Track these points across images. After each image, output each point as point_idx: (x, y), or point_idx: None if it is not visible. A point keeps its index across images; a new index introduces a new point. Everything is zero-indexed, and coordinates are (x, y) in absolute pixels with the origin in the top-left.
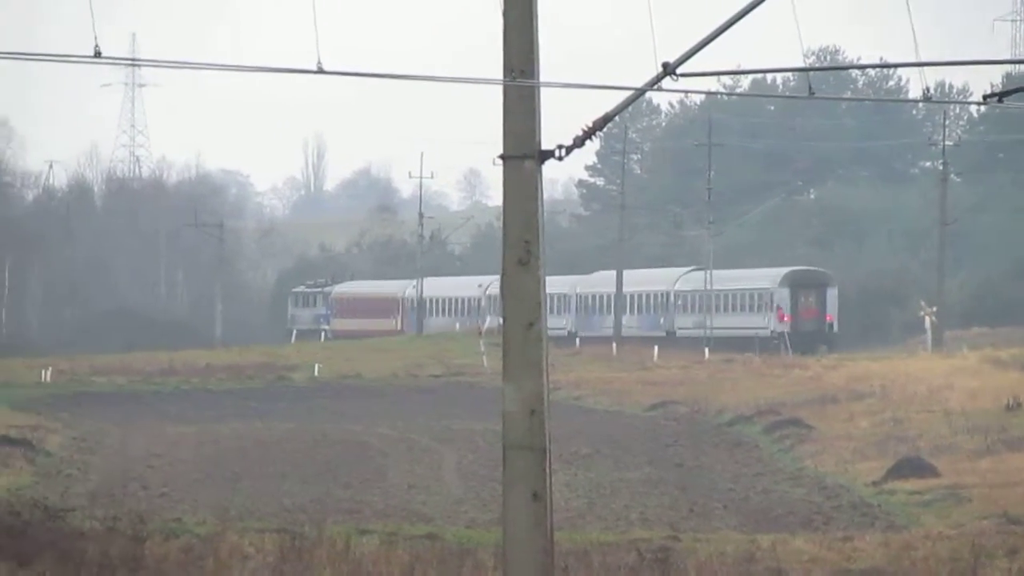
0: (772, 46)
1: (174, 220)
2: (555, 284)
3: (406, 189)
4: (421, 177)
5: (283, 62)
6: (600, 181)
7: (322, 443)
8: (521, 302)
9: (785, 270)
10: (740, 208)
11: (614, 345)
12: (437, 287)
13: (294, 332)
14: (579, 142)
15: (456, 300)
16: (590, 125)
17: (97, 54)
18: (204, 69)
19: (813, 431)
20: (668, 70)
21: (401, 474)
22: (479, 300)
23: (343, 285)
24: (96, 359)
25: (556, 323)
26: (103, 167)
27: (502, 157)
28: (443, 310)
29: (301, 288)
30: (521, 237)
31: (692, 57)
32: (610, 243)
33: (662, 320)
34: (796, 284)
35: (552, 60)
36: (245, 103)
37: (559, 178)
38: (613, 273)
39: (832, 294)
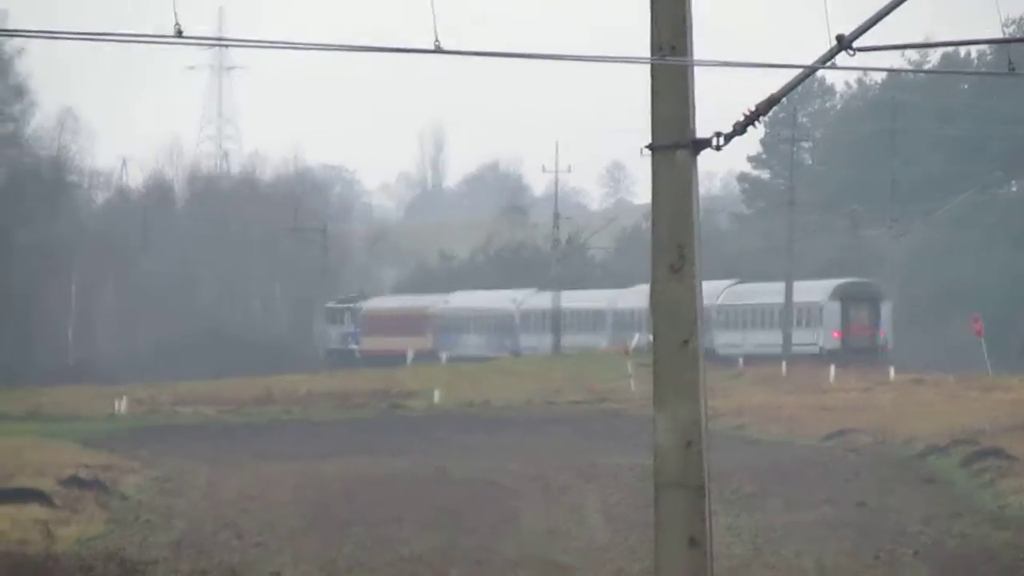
0: (965, 15)
1: (269, 224)
2: (591, 299)
3: (539, 186)
4: (556, 171)
5: (395, 41)
6: (765, 174)
7: (443, 482)
8: (673, 316)
9: (836, 282)
10: (927, 204)
11: (783, 365)
12: (467, 301)
13: (323, 352)
14: (740, 129)
15: (487, 316)
16: (753, 109)
17: (178, 33)
18: (302, 49)
19: (1017, 463)
20: (843, 44)
21: (536, 518)
22: (513, 317)
23: (373, 300)
24: (179, 387)
25: (592, 340)
26: (185, 163)
27: (650, 147)
28: (471, 327)
29: (332, 303)
30: (673, 240)
31: (871, 29)
32: (777, 246)
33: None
34: (847, 297)
35: (708, 35)
36: (350, 89)
37: (717, 171)
38: (646, 287)
39: (885, 308)
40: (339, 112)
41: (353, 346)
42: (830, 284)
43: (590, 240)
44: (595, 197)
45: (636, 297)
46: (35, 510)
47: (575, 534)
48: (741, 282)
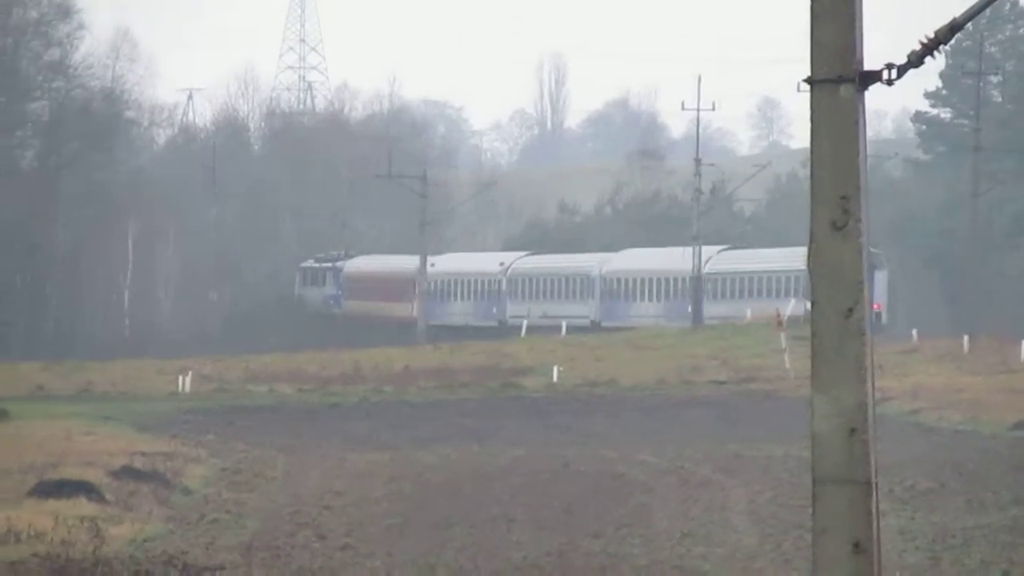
0: None
1: (359, 169)
2: (576, 262)
3: (677, 126)
4: (699, 109)
5: None
6: (945, 113)
7: (563, 475)
8: (836, 281)
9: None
10: None
11: (965, 339)
12: (452, 264)
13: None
14: (916, 60)
15: (470, 281)
16: (932, 36)
17: None
18: None
19: None
20: None
21: (672, 518)
22: (499, 282)
23: (357, 260)
24: (253, 360)
25: (576, 310)
26: (262, 97)
27: (809, 81)
28: (454, 294)
29: (310, 263)
30: (836, 191)
31: None
32: (959, 199)
33: (689, 308)
34: None
35: None
36: (457, 12)
37: (889, 110)
38: (639, 251)
39: (880, 278)
40: (443, 39)
41: (336, 310)
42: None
43: (738, 191)
44: (743, 140)
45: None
46: (82, 505)
47: (716, 537)
48: (733, 247)
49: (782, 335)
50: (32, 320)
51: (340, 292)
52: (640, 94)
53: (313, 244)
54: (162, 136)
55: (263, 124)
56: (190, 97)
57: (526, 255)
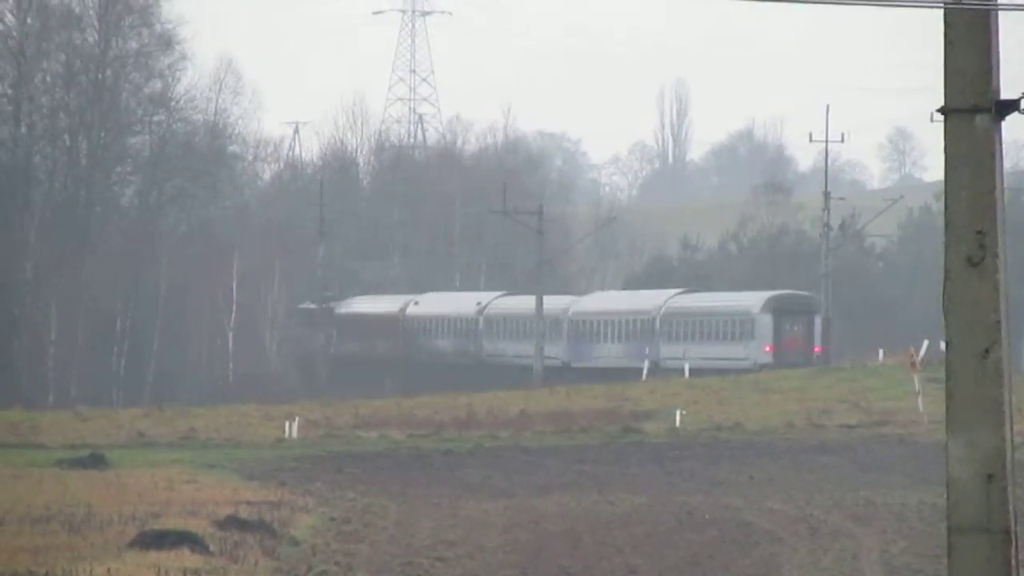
0: None
1: (473, 204)
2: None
3: (805, 158)
4: (827, 141)
5: None
6: None
7: (687, 524)
8: (971, 319)
9: (768, 295)
10: None
11: None
12: (433, 304)
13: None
14: None
15: (448, 321)
16: None
17: None
18: None
19: None
20: None
21: (801, 569)
22: (476, 321)
23: (350, 301)
24: (363, 406)
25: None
26: (371, 130)
27: (942, 111)
28: (435, 331)
29: (308, 304)
30: (971, 225)
31: None
32: None
33: (647, 349)
34: (781, 310)
35: None
36: (573, 41)
37: None
38: (613, 293)
39: (818, 322)
40: (559, 70)
41: (331, 351)
42: (761, 296)
43: (869, 226)
44: (874, 173)
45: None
46: (185, 557)
47: None
48: (690, 291)
49: (915, 377)
50: (133, 365)
51: (334, 333)
52: (766, 125)
53: (424, 281)
54: (267, 171)
55: (372, 158)
56: (296, 131)
57: (502, 295)
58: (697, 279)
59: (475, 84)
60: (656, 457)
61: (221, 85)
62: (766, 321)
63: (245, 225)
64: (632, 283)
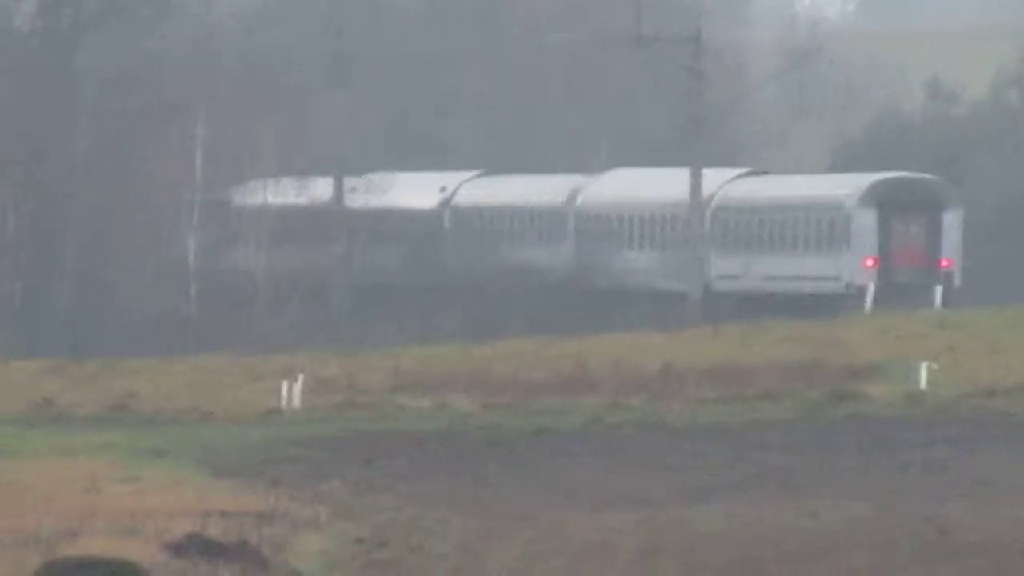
0: None
1: (580, 29)
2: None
3: None
4: None
5: None
6: None
7: (938, 548)
8: None
9: (872, 179)
10: None
11: None
12: (503, 190)
13: None
14: None
15: (528, 214)
16: None
17: None
18: None
19: None
20: None
21: None
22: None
23: (380, 183)
24: (405, 355)
25: (538, 254)
26: None
27: None
28: (509, 231)
29: (304, 185)
30: None
31: None
32: None
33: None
34: (889, 204)
35: None
36: None
37: None
38: (630, 172)
39: (951, 221)
40: None
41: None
42: (862, 181)
43: None
44: None
45: None
46: None
47: None
48: (754, 172)
49: None
50: (35, 285)
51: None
52: None
53: (487, 153)
54: None
55: None
56: None
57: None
58: (950, 147)
59: None
60: (884, 440)
61: None
62: (868, 220)
63: (214, 65)
64: (841, 155)
